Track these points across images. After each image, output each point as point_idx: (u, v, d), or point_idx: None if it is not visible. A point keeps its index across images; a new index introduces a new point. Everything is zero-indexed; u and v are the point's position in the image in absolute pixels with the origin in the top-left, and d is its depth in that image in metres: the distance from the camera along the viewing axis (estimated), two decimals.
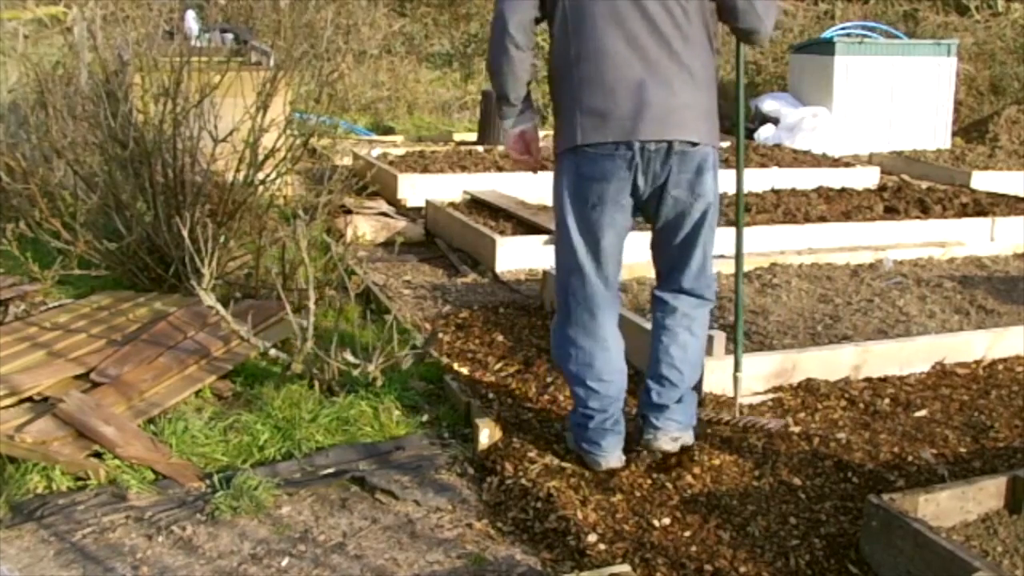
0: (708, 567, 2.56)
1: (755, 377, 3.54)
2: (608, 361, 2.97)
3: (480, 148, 8.48)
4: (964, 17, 11.70)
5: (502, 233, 5.57)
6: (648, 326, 3.83)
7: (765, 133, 9.58)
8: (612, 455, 3.01)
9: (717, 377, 3.47)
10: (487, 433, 3.23)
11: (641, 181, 2.76)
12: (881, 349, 3.78)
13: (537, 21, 2.85)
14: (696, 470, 3.01)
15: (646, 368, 3.44)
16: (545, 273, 4.64)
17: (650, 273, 4.79)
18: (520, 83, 2.89)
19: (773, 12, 2.85)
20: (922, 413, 3.47)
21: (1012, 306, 4.56)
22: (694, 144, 2.76)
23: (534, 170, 3.11)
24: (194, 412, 3.35)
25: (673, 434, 3.01)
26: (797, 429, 3.30)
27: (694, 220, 2.86)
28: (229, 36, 7.60)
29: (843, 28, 10.61)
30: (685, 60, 2.75)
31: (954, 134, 10.20)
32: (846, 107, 9.59)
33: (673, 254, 2.95)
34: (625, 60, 2.72)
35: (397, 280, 5.17)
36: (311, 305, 3.50)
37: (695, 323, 3.01)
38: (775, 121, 9.72)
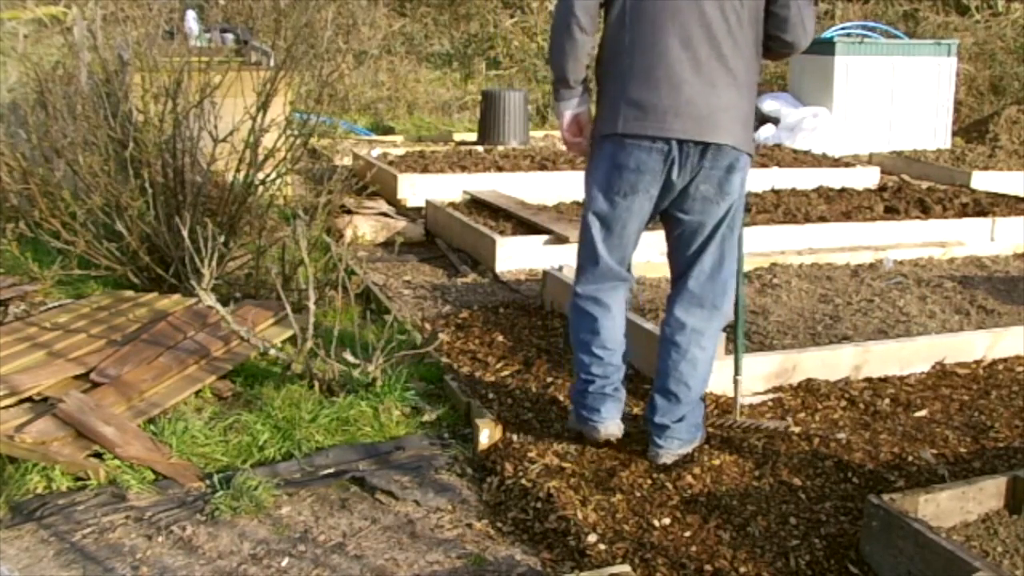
0: (708, 567, 2.56)
1: (755, 377, 3.54)
2: (612, 330, 3.07)
3: (480, 148, 8.49)
4: (964, 17, 11.71)
5: (502, 233, 5.57)
6: (647, 326, 3.84)
7: (765, 133, 9.58)
8: (611, 422, 3.08)
9: (717, 377, 3.46)
10: (487, 433, 3.23)
11: (676, 175, 2.84)
12: (881, 349, 3.78)
13: (600, 6, 2.90)
14: (696, 470, 3.02)
15: (646, 368, 3.44)
16: (545, 273, 4.64)
17: (651, 273, 4.81)
18: (580, 65, 2.93)
19: (812, 29, 2.94)
20: (922, 413, 3.47)
21: (1012, 306, 4.56)
22: (728, 146, 2.83)
23: (585, 153, 3.11)
24: (194, 412, 3.35)
25: (676, 452, 3.07)
26: (797, 429, 3.30)
27: (716, 219, 2.92)
28: (229, 36, 7.61)
29: (843, 28, 10.61)
30: (731, 64, 2.82)
31: (954, 134, 10.20)
32: (846, 107, 9.59)
33: (689, 253, 2.99)
34: (676, 58, 2.79)
35: (397, 280, 5.17)
36: (311, 305, 3.50)
37: (705, 337, 3.02)
38: (775, 121, 9.72)
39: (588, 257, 3.03)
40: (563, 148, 7.41)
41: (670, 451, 3.05)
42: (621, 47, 2.84)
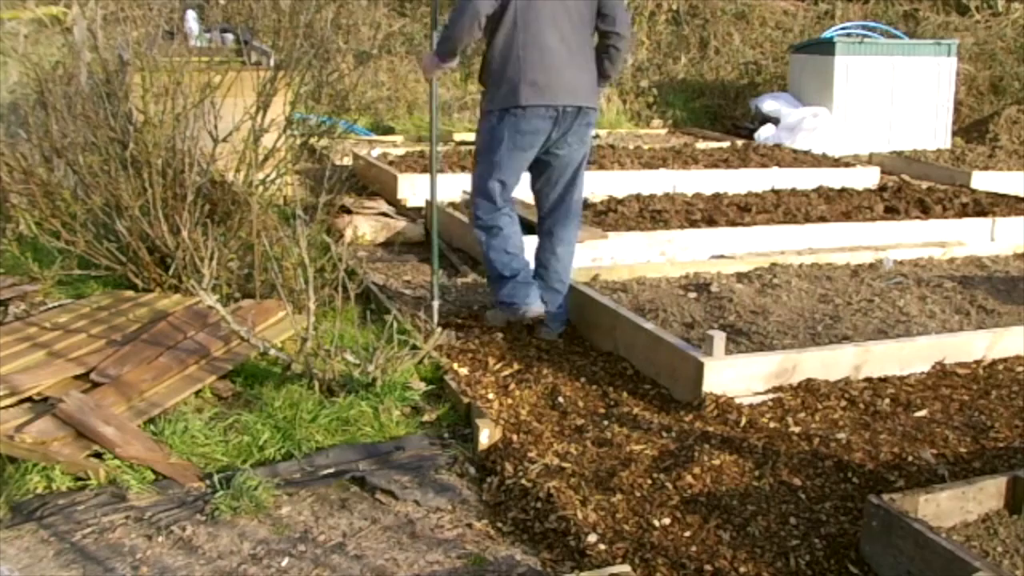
0: (708, 567, 2.56)
1: (755, 377, 3.54)
2: (517, 234, 4.20)
3: None
4: (964, 17, 11.69)
5: None
6: (646, 325, 3.84)
7: (765, 133, 9.58)
8: (536, 304, 4.12)
9: (717, 377, 3.47)
10: (487, 433, 3.23)
11: (555, 132, 3.99)
12: (881, 349, 3.78)
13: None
14: (696, 470, 3.01)
15: (646, 368, 3.43)
16: None
17: (651, 273, 4.81)
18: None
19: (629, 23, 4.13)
20: (922, 413, 3.47)
21: (1012, 306, 4.56)
22: (590, 108, 4.03)
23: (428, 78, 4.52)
24: (194, 412, 3.35)
25: (558, 330, 4.22)
26: (797, 429, 3.30)
27: (578, 161, 4.13)
28: (229, 36, 7.60)
29: (843, 28, 10.60)
30: (585, 49, 4.04)
31: (954, 134, 10.19)
32: (846, 107, 9.58)
33: (563, 185, 4.15)
34: (557, 49, 3.93)
35: (397, 280, 5.16)
36: (311, 305, 3.50)
37: (573, 245, 4.27)
38: (775, 121, 9.71)
39: (497, 187, 4.06)
40: None
41: (553, 332, 4.20)
42: (516, 44, 3.90)
